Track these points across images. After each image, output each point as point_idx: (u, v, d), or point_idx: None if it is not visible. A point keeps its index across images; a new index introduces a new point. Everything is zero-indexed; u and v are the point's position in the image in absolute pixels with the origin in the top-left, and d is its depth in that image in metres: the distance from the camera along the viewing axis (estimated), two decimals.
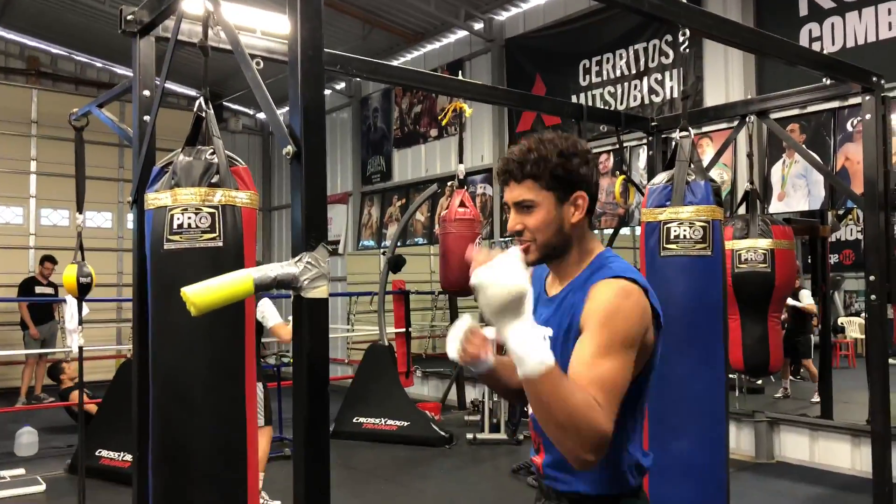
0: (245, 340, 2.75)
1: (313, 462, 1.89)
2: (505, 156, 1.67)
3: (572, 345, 1.53)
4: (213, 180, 2.66)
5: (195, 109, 2.75)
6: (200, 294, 1.73)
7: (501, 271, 1.35)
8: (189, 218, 2.62)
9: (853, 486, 5.28)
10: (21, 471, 5.77)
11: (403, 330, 8.40)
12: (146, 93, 3.05)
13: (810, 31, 6.17)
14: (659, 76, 7.37)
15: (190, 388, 2.68)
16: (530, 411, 1.59)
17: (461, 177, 5.54)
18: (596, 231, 10.78)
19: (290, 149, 1.90)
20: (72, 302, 4.54)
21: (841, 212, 7.94)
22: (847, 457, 5.71)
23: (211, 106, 2.78)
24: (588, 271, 1.64)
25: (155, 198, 2.69)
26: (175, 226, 2.63)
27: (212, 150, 2.71)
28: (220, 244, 2.63)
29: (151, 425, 2.73)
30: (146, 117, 3.00)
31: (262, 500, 4.59)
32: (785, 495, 5.26)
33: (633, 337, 1.52)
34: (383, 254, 9.36)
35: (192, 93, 11.79)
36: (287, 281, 1.85)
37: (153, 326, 2.76)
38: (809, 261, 7.61)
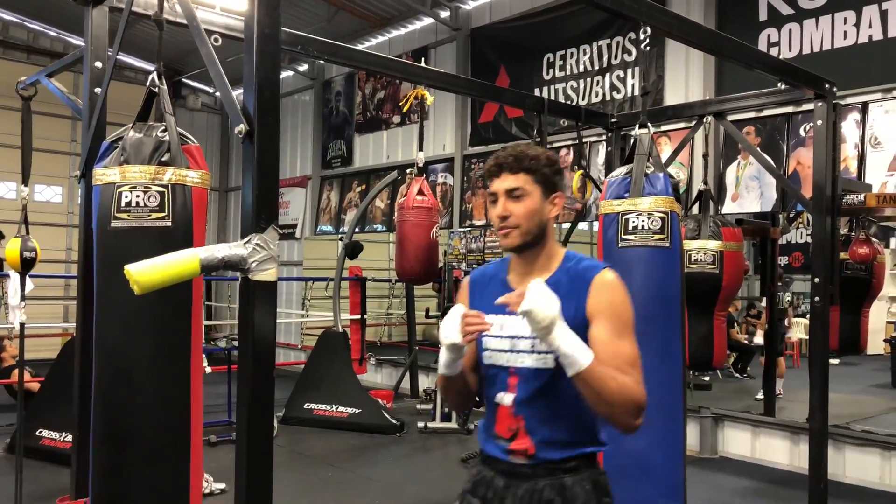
0: (192, 321, 2.71)
1: (256, 446, 1.88)
2: (497, 154, 1.85)
3: (580, 330, 1.72)
4: (163, 158, 2.61)
5: (147, 84, 2.69)
6: (144, 272, 1.69)
7: (541, 298, 1.62)
8: (137, 196, 2.57)
9: (791, 482, 5.44)
10: None
11: (359, 317, 8.37)
12: (98, 64, 2.97)
13: (769, 36, 6.29)
14: (621, 73, 7.44)
15: (133, 367, 2.64)
16: (506, 401, 1.79)
17: (420, 164, 5.51)
18: (554, 225, 10.90)
19: (242, 127, 1.87)
20: (15, 277, 4.41)
21: (791, 215, 8.13)
22: (786, 453, 5.88)
23: (164, 81, 2.72)
24: (567, 265, 1.85)
25: (103, 174, 2.62)
26: (123, 203, 2.58)
27: (163, 127, 2.65)
28: (169, 224, 2.59)
29: (93, 405, 2.68)
30: (97, 89, 2.93)
31: (205, 483, 4.54)
32: (725, 489, 5.39)
33: (633, 318, 1.81)
34: (340, 239, 9.29)
35: (149, 67, 11.51)
36: (235, 262, 1.82)
37: (97, 305, 2.70)
38: (760, 262, 7.78)
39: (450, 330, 1.72)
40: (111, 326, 2.67)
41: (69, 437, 5.13)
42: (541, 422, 1.78)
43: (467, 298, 1.93)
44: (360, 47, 9.72)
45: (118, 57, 2.90)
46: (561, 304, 1.69)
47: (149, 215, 2.57)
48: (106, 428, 2.68)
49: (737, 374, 9.48)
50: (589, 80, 7.73)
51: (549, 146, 7.34)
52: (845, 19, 5.84)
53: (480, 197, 8.77)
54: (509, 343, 1.79)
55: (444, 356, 1.78)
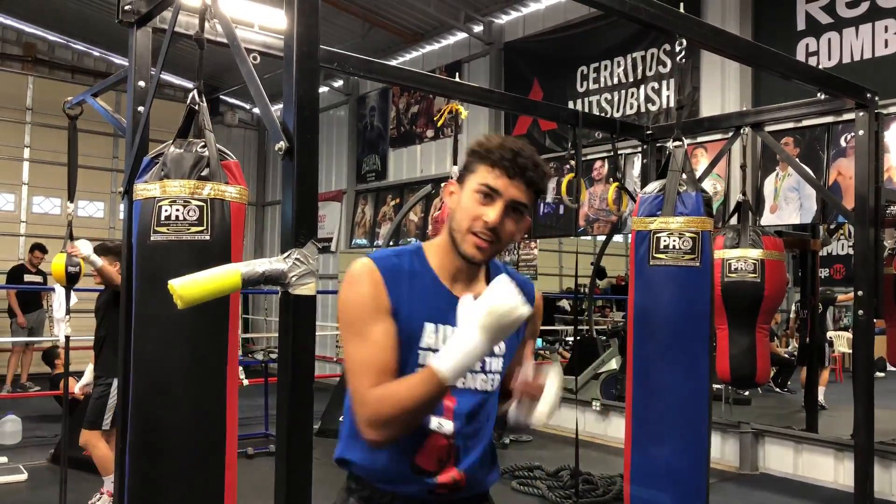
0: (228, 335, 2.74)
1: (295, 458, 1.89)
2: (520, 150, 1.54)
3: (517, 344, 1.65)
4: (202, 173, 2.65)
5: (188, 101, 2.74)
6: (187, 287, 1.72)
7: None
8: (177, 210, 2.61)
9: (836, 500, 5.31)
10: (3, 459, 5.74)
11: None
12: (141, 83, 3.04)
13: (807, 45, 6.20)
14: (656, 85, 7.39)
15: (170, 380, 2.66)
16: (446, 429, 1.53)
17: (455, 178, 5.53)
18: (589, 237, 10.82)
19: (282, 144, 1.90)
20: (60, 291, 4.52)
21: (832, 226, 7.98)
22: (830, 470, 5.73)
23: (204, 99, 2.78)
24: (498, 273, 1.55)
25: (144, 188, 2.68)
26: (162, 217, 2.62)
27: (203, 143, 2.70)
28: (207, 238, 2.62)
29: (130, 417, 2.71)
30: (140, 108, 2.99)
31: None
32: None
33: None
34: None
35: (189, 84, 11.76)
36: (275, 277, 1.84)
37: (136, 318, 2.74)
38: (800, 274, 7.63)
39: (513, 300, 1.38)
40: (148, 339, 2.70)
41: None
42: (471, 449, 1.58)
43: (384, 292, 1.52)
44: (394, 62, 9.82)
45: (161, 76, 2.97)
46: None
47: (188, 229, 2.61)
48: (142, 441, 2.70)
49: (777, 389, 9.29)
50: (623, 91, 7.69)
51: (583, 158, 7.33)
52: (886, 27, 5.74)
53: None
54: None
55: (484, 343, 1.38)
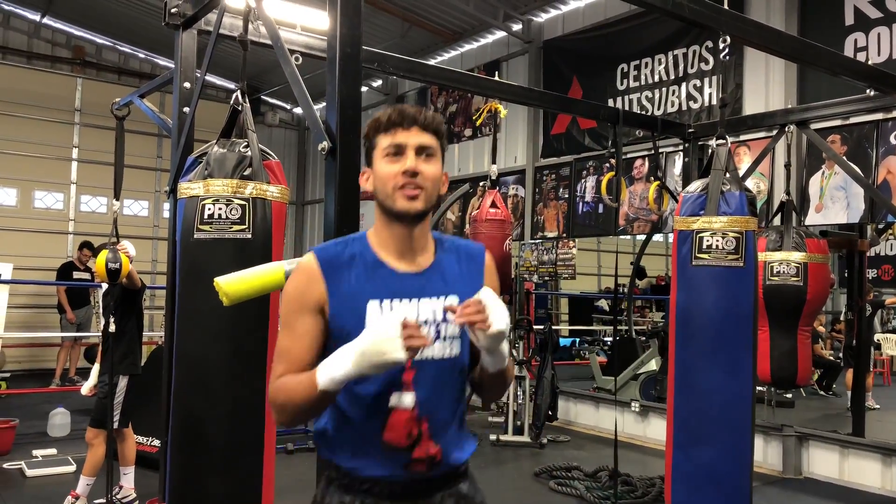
0: (269, 331, 2.77)
1: None
2: (401, 107, 1.61)
3: None
4: (245, 173, 2.69)
5: (231, 102, 2.79)
6: (233, 284, 1.76)
7: (502, 310, 1.48)
8: (220, 209, 2.66)
9: None
10: (53, 451, 5.89)
11: None
12: (187, 84, 3.10)
13: (856, 40, 6.05)
14: (698, 82, 7.29)
15: (212, 376, 2.70)
16: (406, 402, 1.49)
17: (494, 177, 5.52)
18: (628, 236, 10.71)
19: (325, 144, 1.92)
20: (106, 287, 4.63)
21: (881, 226, 7.78)
22: (878, 475, 5.59)
23: (247, 99, 2.82)
24: (446, 242, 1.68)
25: (188, 187, 2.73)
26: (206, 216, 2.66)
27: (246, 143, 2.74)
28: (249, 236, 2.66)
29: (172, 412, 2.76)
30: (186, 108, 3.05)
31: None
32: None
33: None
34: None
35: (231, 85, 11.95)
36: None
37: (179, 314, 2.80)
38: (847, 275, 7.46)
39: (389, 344, 1.39)
40: (190, 335, 2.74)
41: (156, 442, 5.33)
42: (445, 422, 1.57)
43: (322, 283, 1.56)
44: (432, 62, 9.85)
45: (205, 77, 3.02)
46: (457, 279, 1.61)
47: (230, 227, 2.65)
48: (183, 435, 2.75)
49: (822, 392, 9.10)
50: (664, 89, 7.60)
51: (623, 157, 7.28)
52: None
53: (552, 209, 8.72)
54: None
55: (353, 370, 1.42)
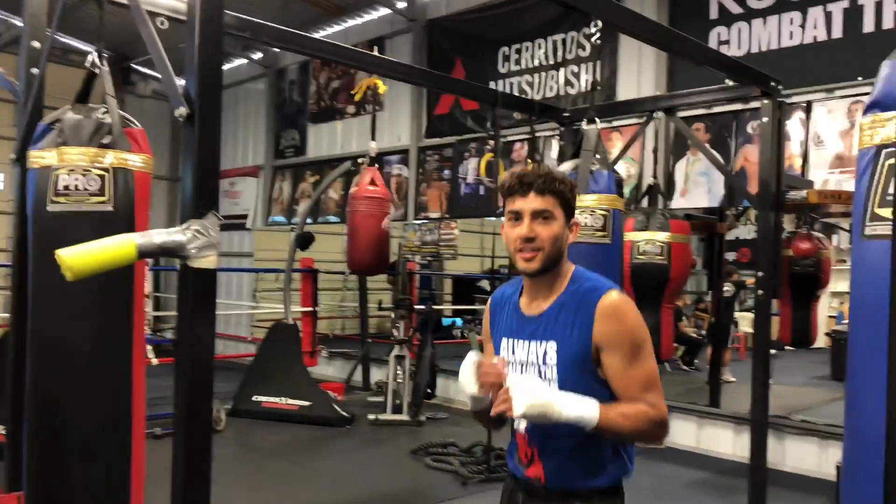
0: (133, 311, 2.64)
1: (193, 441, 1.84)
2: (522, 172, 1.79)
3: (589, 354, 1.74)
4: (104, 141, 2.53)
5: (87, 65, 2.61)
6: (77, 257, 1.64)
7: (527, 393, 1.64)
8: (76, 179, 2.49)
9: (733, 471, 5.56)
10: None
11: (310, 309, 8.28)
12: (35, 44, 2.87)
13: (719, 34, 6.40)
14: (575, 68, 7.49)
15: (71, 358, 2.56)
16: (521, 428, 1.83)
17: (373, 154, 5.48)
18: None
19: (183, 110, 1.83)
20: None
21: (739, 211, 8.31)
22: (730, 443, 6.01)
23: (106, 63, 2.64)
24: (573, 287, 1.81)
25: (39, 156, 2.54)
26: (61, 187, 2.49)
27: (105, 110, 2.58)
28: (110, 209, 2.52)
29: (28, 397, 2.59)
30: (34, 69, 2.82)
31: None
32: (672, 479, 5.49)
33: (643, 334, 1.79)
34: (292, 230, 9.18)
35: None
36: (173, 248, 1.77)
37: (33, 293, 2.61)
38: (708, 257, 7.92)
39: (466, 380, 1.76)
40: (48, 315, 2.58)
41: (2, 430, 4.97)
42: (552, 452, 1.80)
43: (488, 322, 1.97)
44: (315, 36, 9.59)
45: (65, 40, 2.81)
46: (560, 325, 1.75)
47: (88, 199, 2.49)
48: (41, 420, 2.59)
49: (685, 367, 9.66)
50: (543, 74, 7.77)
51: (502, 139, 7.38)
52: (791, 20, 5.98)
53: (435, 189, 8.75)
54: (519, 370, 1.80)
55: (469, 400, 1.83)
